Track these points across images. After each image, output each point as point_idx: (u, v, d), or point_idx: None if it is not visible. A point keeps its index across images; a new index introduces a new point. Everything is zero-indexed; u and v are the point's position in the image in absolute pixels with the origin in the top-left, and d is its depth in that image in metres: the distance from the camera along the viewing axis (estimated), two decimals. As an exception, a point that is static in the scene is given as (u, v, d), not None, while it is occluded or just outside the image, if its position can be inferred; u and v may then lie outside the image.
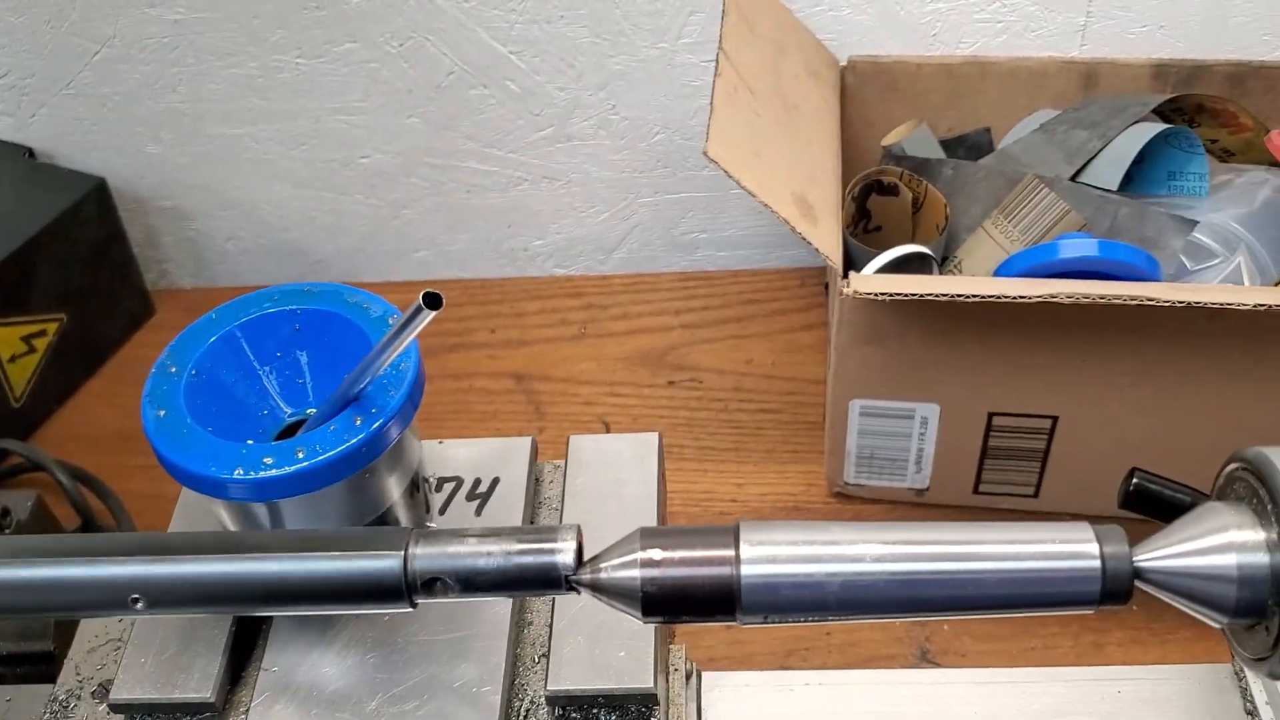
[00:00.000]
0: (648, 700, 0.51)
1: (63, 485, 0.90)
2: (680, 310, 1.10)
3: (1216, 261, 0.84)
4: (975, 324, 0.77)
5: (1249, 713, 0.57)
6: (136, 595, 0.43)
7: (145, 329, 1.11)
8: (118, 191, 1.06)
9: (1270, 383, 0.77)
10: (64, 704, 0.55)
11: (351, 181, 1.08)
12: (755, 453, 0.97)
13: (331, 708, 0.51)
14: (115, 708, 0.52)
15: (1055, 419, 0.82)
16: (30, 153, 1.06)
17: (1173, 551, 0.39)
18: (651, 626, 0.52)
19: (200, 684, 0.52)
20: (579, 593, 0.41)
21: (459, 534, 0.42)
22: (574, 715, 0.51)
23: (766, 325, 1.07)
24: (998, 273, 0.82)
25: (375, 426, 0.49)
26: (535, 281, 1.13)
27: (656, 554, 0.40)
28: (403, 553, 0.42)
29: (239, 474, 0.48)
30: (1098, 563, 0.39)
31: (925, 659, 0.83)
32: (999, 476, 0.87)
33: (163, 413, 0.50)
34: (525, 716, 0.52)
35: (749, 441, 0.98)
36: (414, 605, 0.42)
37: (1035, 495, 0.87)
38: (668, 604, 0.40)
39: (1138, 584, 0.39)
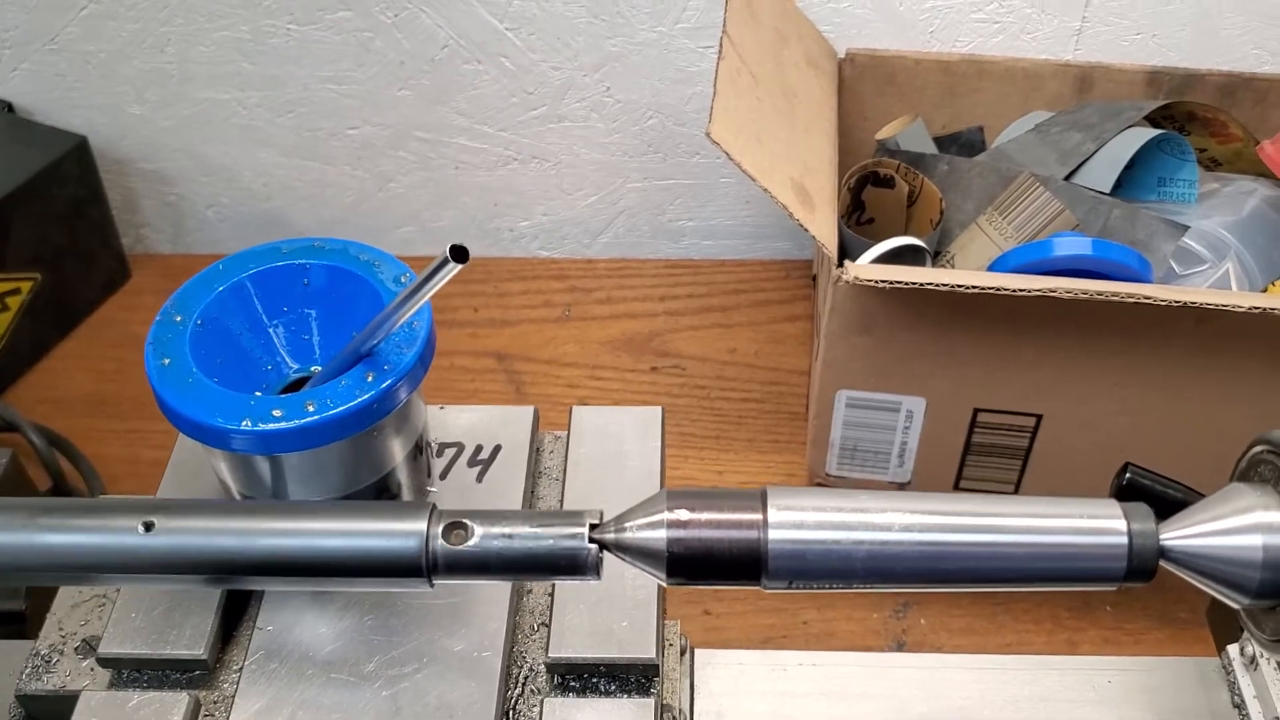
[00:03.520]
0: (649, 670, 0.50)
1: (35, 446, 0.88)
2: (665, 297, 1.09)
3: (1205, 267, 0.85)
4: (966, 318, 0.78)
5: (1236, 705, 0.57)
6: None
7: (121, 293, 1.09)
8: (99, 151, 1.04)
9: (1255, 387, 0.78)
10: (46, 658, 0.54)
11: (338, 152, 1.07)
12: (736, 441, 0.97)
13: (327, 668, 0.50)
14: (104, 662, 0.51)
15: (1039, 417, 0.83)
16: (10, 107, 1.04)
17: (1198, 531, 0.39)
18: (653, 598, 0.52)
19: (192, 641, 0.51)
20: (599, 579, 0.41)
21: (482, 515, 0.41)
22: (573, 683, 0.51)
23: (751, 315, 1.07)
24: (992, 268, 0.82)
25: (386, 384, 0.48)
26: (520, 262, 1.12)
27: (683, 515, 0.39)
28: (424, 529, 0.41)
29: (246, 425, 0.47)
30: (1124, 539, 0.39)
31: (902, 652, 0.83)
32: (980, 473, 0.87)
33: (167, 361, 0.49)
34: (524, 682, 0.51)
35: (730, 430, 0.98)
36: (432, 585, 0.42)
37: (1015, 492, 0.88)
38: (693, 566, 0.39)
39: (1161, 563, 0.39)
